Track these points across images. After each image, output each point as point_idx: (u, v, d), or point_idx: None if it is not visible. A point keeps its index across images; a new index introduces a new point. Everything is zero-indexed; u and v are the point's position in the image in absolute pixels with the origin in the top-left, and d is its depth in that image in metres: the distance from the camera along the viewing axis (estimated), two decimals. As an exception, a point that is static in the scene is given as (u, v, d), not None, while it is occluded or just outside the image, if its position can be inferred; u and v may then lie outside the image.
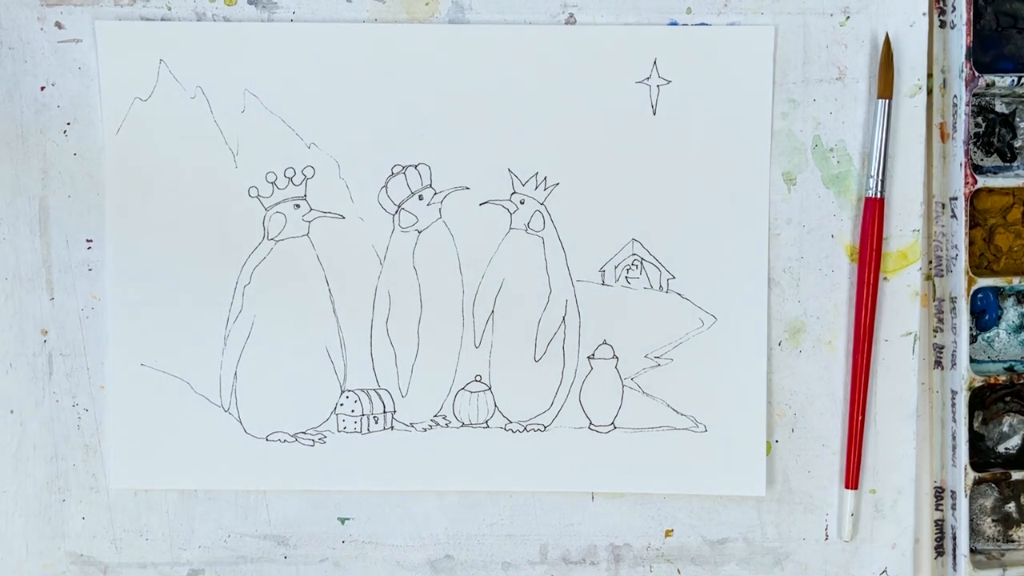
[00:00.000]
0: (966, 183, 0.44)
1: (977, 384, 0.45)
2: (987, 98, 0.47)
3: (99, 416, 0.46)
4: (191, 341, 0.45)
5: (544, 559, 0.47)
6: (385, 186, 0.45)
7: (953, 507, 0.46)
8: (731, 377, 0.46)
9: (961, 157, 0.44)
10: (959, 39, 0.44)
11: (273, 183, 0.45)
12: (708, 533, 0.47)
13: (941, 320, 0.46)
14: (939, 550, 0.47)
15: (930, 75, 0.45)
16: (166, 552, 0.47)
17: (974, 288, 0.45)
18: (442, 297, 0.45)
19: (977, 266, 0.47)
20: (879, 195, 0.44)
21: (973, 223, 0.47)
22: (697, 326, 0.45)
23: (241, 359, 0.45)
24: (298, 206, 0.45)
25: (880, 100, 0.44)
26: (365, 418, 0.46)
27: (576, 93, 0.45)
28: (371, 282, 0.45)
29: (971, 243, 0.46)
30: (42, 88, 0.45)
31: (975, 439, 0.48)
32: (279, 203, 0.45)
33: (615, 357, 0.46)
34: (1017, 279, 0.45)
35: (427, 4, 0.45)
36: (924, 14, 0.44)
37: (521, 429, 0.46)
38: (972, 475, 0.45)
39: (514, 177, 0.45)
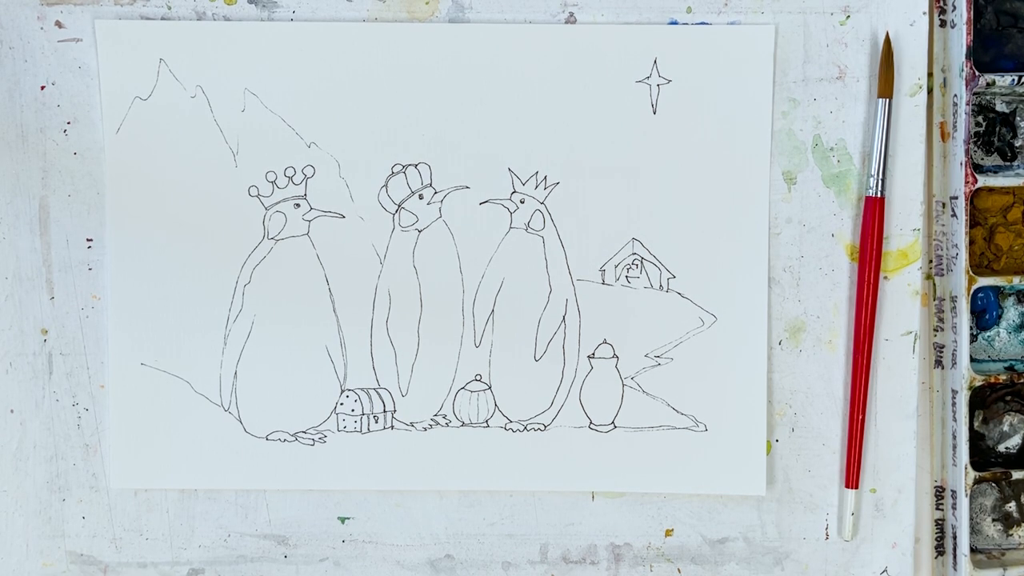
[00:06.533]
0: (966, 182, 0.44)
1: (977, 383, 0.45)
2: (987, 97, 0.47)
3: (99, 416, 0.46)
4: (191, 341, 0.45)
5: (544, 559, 0.47)
6: (385, 185, 0.45)
7: (953, 506, 0.46)
8: (731, 376, 0.46)
9: (961, 156, 0.44)
10: (959, 38, 0.44)
11: (273, 182, 0.45)
12: (708, 532, 0.47)
13: (941, 319, 0.46)
14: (939, 549, 0.47)
15: (930, 74, 0.45)
16: (166, 552, 0.47)
17: (974, 287, 0.45)
18: (442, 296, 0.45)
19: (977, 265, 0.47)
20: (879, 194, 0.44)
21: (973, 222, 0.47)
22: (697, 325, 0.45)
23: (241, 358, 0.45)
24: (298, 205, 0.45)
25: (880, 99, 0.44)
26: (365, 417, 0.46)
27: (576, 93, 0.45)
28: (371, 281, 0.45)
29: (971, 242, 0.46)
30: (42, 87, 0.45)
31: (975, 438, 0.48)
32: (279, 202, 0.45)
33: (615, 356, 0.46)
34: (1017, 278, 0.45)
35: (427, 3, 0.45)
36: (924, 13, 0.44)
37: (521, 428, 0.46)
38: (972, 474, 0.45)
39: (514, 176, 0.45)
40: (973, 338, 0.48)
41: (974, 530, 0.48)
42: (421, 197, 0.45)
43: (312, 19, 0.45)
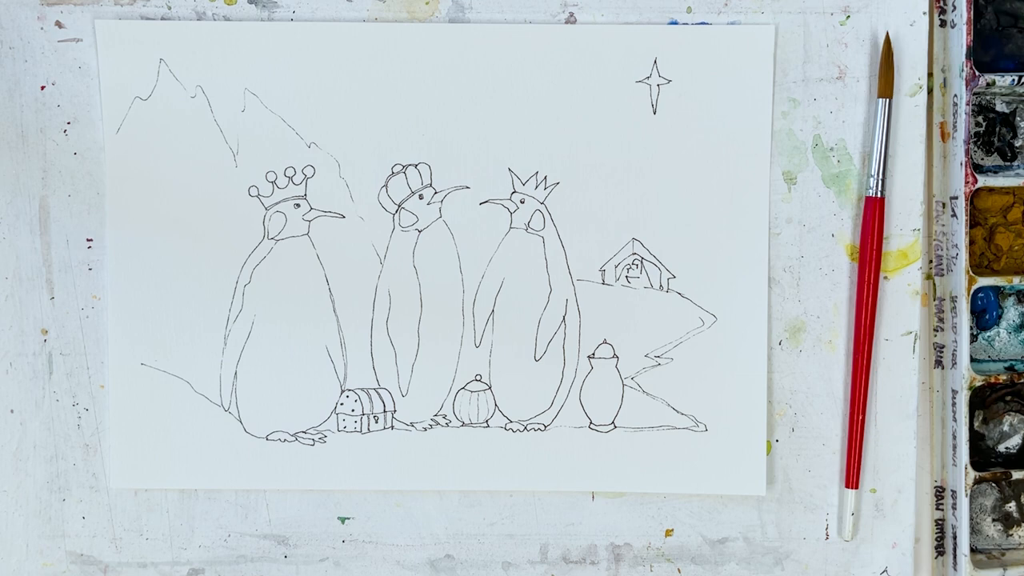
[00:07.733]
0: (966, 182, 0.44)
1: (977, 383, 0.45)
2: (987, 97, 0.47)
3: (99, 416, 0.46)
4: (191, 341, 0.45)
5: (544, 559, 0.47)
6: (385, 185, 0.45)
7: (953, 506, 0.46)
8: (731, 376, 0.46)
9: (961, 156, 0.44)
10: (959, 38, 0.44)
11: (273, 182, 0.45)
12: (708, 532, 0.47)
13: (941, 319, 0.46)
14: (939, 549, 0.47)
15: (930, 74, 0.45)
16: (166, 552, 0.47)
17: (974, 287, 0.45)
18: (442, 296, 0.45)
19: (977, 265, 0.47)
20: (879, 194, 0.44)
21: (973, 222, 0.47)
22: (697, 325, 0.45)
23: (241, 359, 0.45)
24: (298, 205, 0.45)
25: (880, 99, 0.44)
26: (365, 417, 0.46)
27: (576, 93, 0.45)
28: (371, 281, 0.45)
29: (971, 242, 0.46)
30: (42, 87, 0.45)
31: (975, 438, 0.48)
32: (279, 202, 0.45)
33: (615, 356, 0.46)
34: (1017, 278, 0.45)
35: (427, 3, 0.45)
36: (924, 13, 0.44)
37: (521, 429, 0.46)
38: (972, 474, 0.45)
39: (514, 176, 0.45)
40: (973, 338, 0.48)
41: (974, 530, 0.48)
42: (421, 197, 0.45)
43: (312, 19, 0.45)
